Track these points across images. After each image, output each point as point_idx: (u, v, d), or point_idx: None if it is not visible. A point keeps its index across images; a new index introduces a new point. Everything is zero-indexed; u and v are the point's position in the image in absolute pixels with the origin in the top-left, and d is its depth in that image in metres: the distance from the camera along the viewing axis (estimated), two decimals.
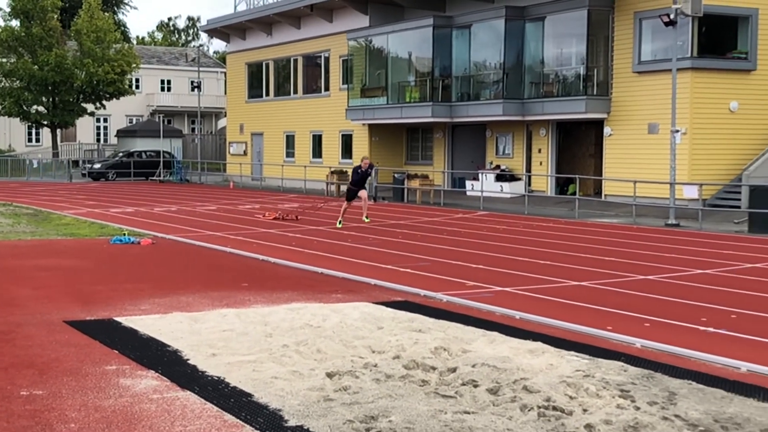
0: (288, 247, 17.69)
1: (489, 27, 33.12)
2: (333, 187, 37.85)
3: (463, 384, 7.21)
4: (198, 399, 6.83)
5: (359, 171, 23.24)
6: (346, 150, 41.34)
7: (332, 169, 38.96)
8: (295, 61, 45.46)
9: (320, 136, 43.35)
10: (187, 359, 8.11)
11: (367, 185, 23.94)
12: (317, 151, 43.58)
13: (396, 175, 35.06)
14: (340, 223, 22.17)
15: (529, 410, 6.52)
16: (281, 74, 47.03)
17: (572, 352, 8.39)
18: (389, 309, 10.69)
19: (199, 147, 55.38)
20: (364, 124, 39.54)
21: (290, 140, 45.73)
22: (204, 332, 9.27)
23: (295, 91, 45.65)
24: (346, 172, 38.53)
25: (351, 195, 23.17)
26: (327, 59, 42.83)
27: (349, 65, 40.04)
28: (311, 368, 7.70)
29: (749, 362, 8.03)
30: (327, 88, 42.93)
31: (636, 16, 28.92)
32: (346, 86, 40.35)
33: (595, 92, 30.16)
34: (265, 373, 7.51)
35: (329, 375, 7.45)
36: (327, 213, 25.48)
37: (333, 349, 8.37)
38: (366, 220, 22.92)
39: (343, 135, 41.59)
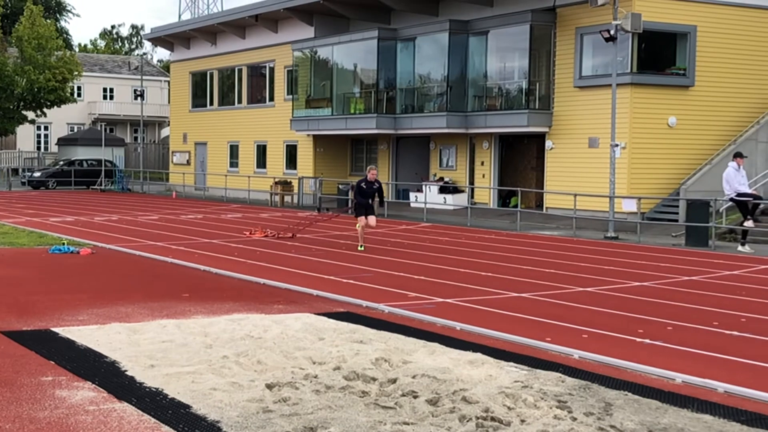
0: (230, 257, 17.59)
1: (433, 40, 33.34)
2: (277, 198, 37.75)
3: (403, 395, 7.24)
4: (135, 410, 6.76)
5: (363, 185, 19.79)
6: (291, 161, 41.25)
7: (276, 180, 38.87)
8: (240, 71, 45.28)
9: (264, 147, 43.20)
10: (125, 370, 8.03)
11: (375, 204, 20.15)
12: (261, 162, 43.41)
13: (340, 186, 35.05)
14: (361, 246, 19.44)
15: (467, 421, 6.57)
16: (225, 84, 46.80)
17: (511, 363, 8.47)
18: (331, 320, 10.69)
19: (142, 156, 54.83)
20: (308, 135, 39.50)
21: (234, 150, 45.50)
22: (143, 343, 9.18)
23: (240, 101, 45.46)
24: (291, 182, 38.53)
25: (360, 211, 19.82)
26: (272, 69, 42.73)
27: (294, 76, 40.00)
28: (251, 379, 7.67)
29: (684, 373, 8.17)
30: (272, 99, 42.82)
31: (577, 32, 29.34)
32: (291, 97, 40.29)
33: (537, 106, 30.51)
34: (204, 385, 7.46)
35: (269, 386, 7.42)
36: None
37: (273, 361, 8.35)
38: (360, 248, 19.38)
39: (287, 145, 41.50)
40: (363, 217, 19.64)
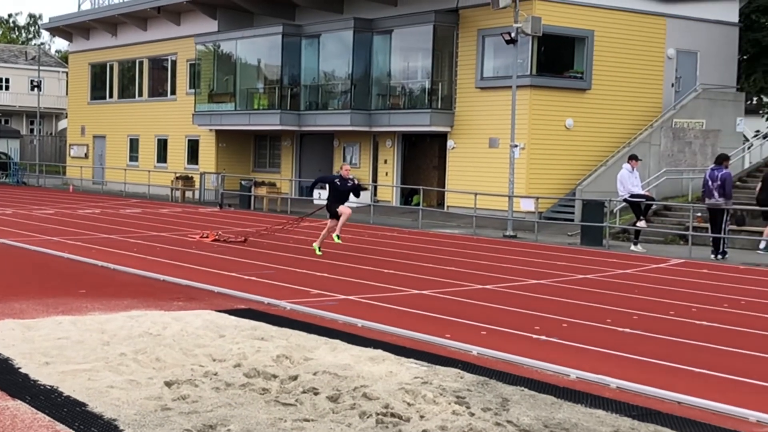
0: (129, 253, 17.30)
1: (337, 38, 33.36)
2: (178, 193, 37.23)
3: (304, 392, 7.25)
4: (29, 409, 6.61)
5: (337, 182, 18.20)
6: (192, 155, 40.73)
7: (177, 175, 38.33)
8: (141, 63, 44.49)
9: (165, 141, 42.54)
10: (19, 368, 7.83)
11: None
12: (162, 156, 42.75)
13: (243, 182, 34.77)
14: (319, 249, 18.02)
15: (367, 417, 6.62)
16: (126, 76, 45.92)
17: (411, 360, 8.56)
18: (232, 317, 10.63)
19: (38, 148, 53.43)
20: (211, 130, 39.07)
21: (134, 144, 44.68)
22: (37, 340, 8.97)
23: (141, 94, 44.66)
24: (192, 177, 38.04)
25: (334, 211, 18.20)
26: (174, 63, 42.10)
27: (196, 70, 39.49)
28: (149, 377, 7.58)
29: (578, 369, 8.38)
30: (173, 92, 42.19)
31: (479, 34, 29.74)
32: (193, 91, 39.77)
33: (439, 106, 30.82)
34: (101, 382, 7.34)
35: (168, 384, 7.35)
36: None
37: (172, 358, 8.26)
38: (337, 240, 18.22)
39: (189, 140, 40.95)
40: (333, 220, 18.20)
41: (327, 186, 18.83)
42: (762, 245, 21.52)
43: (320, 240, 18.30)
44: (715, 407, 7.24)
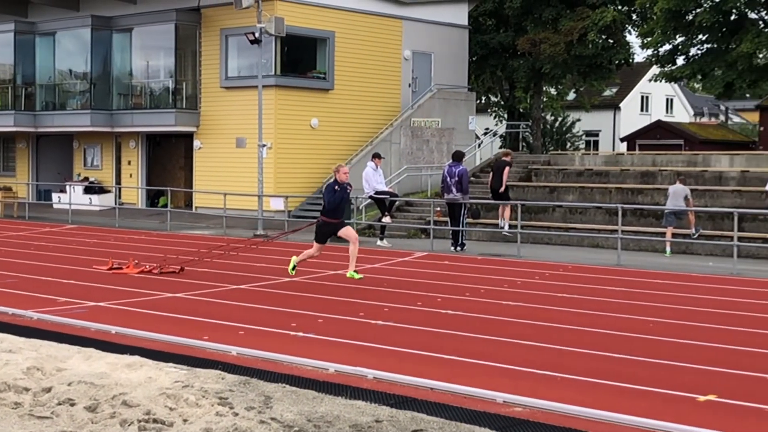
0: None
1: (75, 36, 32.13)
2: None
3: (60, 403, 7.03)
4: None
5: (336, 188, 14.46)
6: None
7: None
8: None
9: None
10: None
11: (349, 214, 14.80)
12: None
13: None
14: (293, 269, 15.03)
15: (129, 425, 6.53)
16: None
17: (171, 364, 8.49)
18: None
19: None
20: None
21: None
22: None
23: None
24: None
25: (324, 234, 14.66)
26: None
27: None
28: None
29: (336, 363, 8.65)
30: None
31: (222, 33, 29.62)
32: None
33: (184, 105, 30.43)
34: None
35: None
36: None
37: None
38: (357, 276, 14.69)
39: None
40: (318, 244, 14.69)
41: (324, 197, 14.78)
42: (502, 223, 22.88)
43: (299, 259, 14.99)
44: (465, 391, 7.71)
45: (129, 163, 32.67)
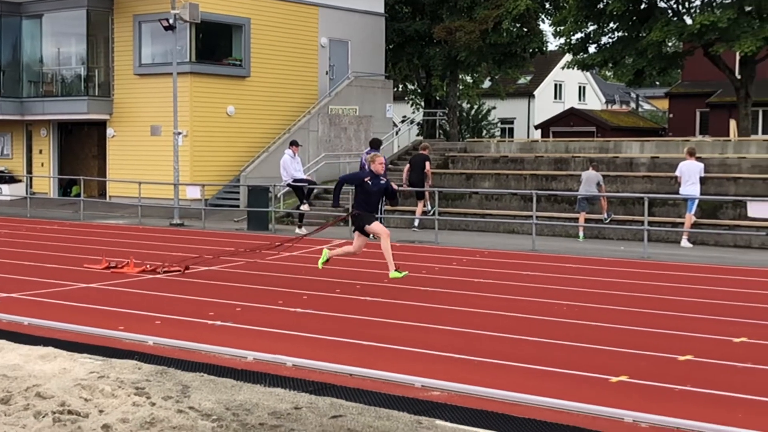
0: None
1: None
2: None
3: None
4: None
5: (368, 181, 13.05)
6: None
7: None
8: None
9: None
10: None
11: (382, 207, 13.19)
12: None
13: None
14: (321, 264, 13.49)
15: (43, 417, 6.44)
16: None
17: (85, 355, 8.39)
18: None
19: None
20: None
21: None
22: None
23: None
24: None
25: (361, 222, 13.05)
26: None
27: None
28: None
29: (255, 351, 8.63)
30: None
31: (135, 19, 29.15)
32: None
33: (96, 93, 29.90)
34: None
35: None
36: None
37: None
38: (399, 275, 12.76)
39: None
40: (361, 237, 13.24)
41: (355, 188, 13.49)
42: (416, 222, 23.04)
43: (333, 253, 13.60)
44: (383, 376, 7.78)
45: (40, 151, 31.97)
